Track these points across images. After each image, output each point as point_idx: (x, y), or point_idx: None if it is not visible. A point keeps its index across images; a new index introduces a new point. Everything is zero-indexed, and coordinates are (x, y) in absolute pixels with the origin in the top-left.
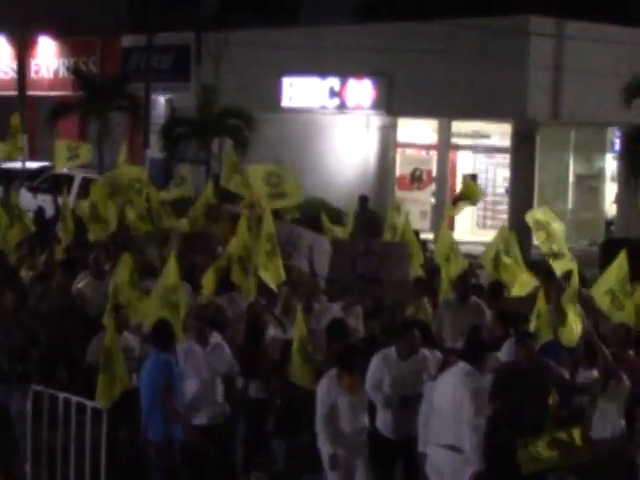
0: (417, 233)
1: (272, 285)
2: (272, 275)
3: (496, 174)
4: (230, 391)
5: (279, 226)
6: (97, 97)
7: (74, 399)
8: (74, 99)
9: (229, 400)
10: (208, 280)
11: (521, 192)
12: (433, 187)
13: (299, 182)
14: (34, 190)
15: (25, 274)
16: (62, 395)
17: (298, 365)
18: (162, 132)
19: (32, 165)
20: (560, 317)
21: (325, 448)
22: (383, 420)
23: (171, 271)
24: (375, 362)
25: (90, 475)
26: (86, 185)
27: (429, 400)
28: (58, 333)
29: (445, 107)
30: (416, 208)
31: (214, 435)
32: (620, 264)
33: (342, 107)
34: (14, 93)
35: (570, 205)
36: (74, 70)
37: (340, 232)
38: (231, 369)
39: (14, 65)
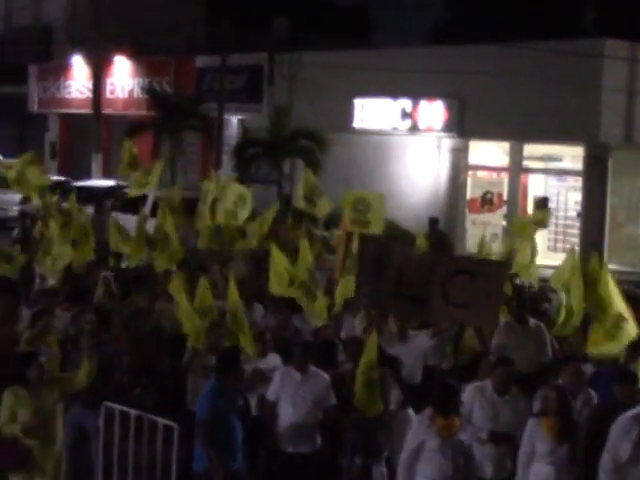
0: None
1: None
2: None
3: (567, 197)
4: (326, 420)
5: (368, 244)
6: (171, 117)
7: (146, 416)
8: (148, 118)
9: (325, 429)
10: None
11: (593, 215)
12: (504, 210)
13: (384, 211)
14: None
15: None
16: (134, 412)
17: (360, 389)
18: (234, 152)
19: (106, 183)
20: None
21: None
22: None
23: (230, 294)
24: (468, 393)
25: None
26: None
27: (532, 440)
28: (144, 354)
29: (517, 130)
30: (487, 231)
31: (306, 464)
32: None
33: (414, 129)
34: (89, 112)
35: None
36: (148, 90)
37: None
38: (328, 398)
39: (90, 84)
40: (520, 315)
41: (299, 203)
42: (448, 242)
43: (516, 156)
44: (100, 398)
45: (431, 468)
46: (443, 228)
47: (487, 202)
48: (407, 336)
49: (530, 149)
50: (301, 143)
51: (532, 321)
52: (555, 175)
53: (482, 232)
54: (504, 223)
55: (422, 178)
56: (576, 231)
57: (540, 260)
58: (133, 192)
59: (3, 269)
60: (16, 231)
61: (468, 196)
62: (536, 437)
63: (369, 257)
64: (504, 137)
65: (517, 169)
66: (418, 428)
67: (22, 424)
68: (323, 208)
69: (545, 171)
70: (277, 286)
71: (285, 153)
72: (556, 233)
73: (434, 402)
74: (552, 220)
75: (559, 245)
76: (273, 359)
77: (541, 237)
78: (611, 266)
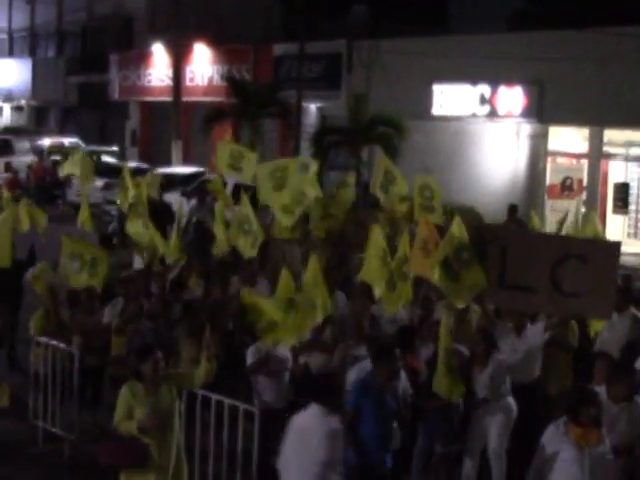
0: None
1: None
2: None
3: None
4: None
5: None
6: (249, 104)
7: (227, 401)
8: (227, 106)
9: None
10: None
11: None
12: (584, 196)
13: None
14: (188, 195)
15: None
16: (215, 397)
17: (441, 376)
18: (313, 139)
19: (187, 170)
20: None
21: None
22: None
23: (311, 272)
24: None
25: (241, 477)
26: (238, 192)
27: None
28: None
29: (597, 115)
30: (568, 216)
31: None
32: None
33: (493, 115)
34: (169, 99)
35: None
36: (227, 77)
37: None
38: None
39: (170, 72)
40: (619, 303)
41: (374, 189)
42: (526, 228)
43: (596, 142)
44: None
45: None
46: (522, 215)
47: (567, 188)
48: (524, 329)
49: (610, 135)
50: (379, 130)
51: (631, 310)
52: (636, 161)
53: (562, 216)
54: (584, 209)
55: (501, 164)
56: None
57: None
58: (221, 169)
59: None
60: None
61: (547, 182)
62: None
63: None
64: (584, 123)
65: (597, 155)
66: (553, 436)
67: (139, 422)
68: (394, 196)
69: (625, 157)
70: (369, 273)
71: (363, 140)
72: (637, 220)
73: (568, 409)
74: (633, 206)
75: (639, 232)
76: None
77: (621, 223)
78: None
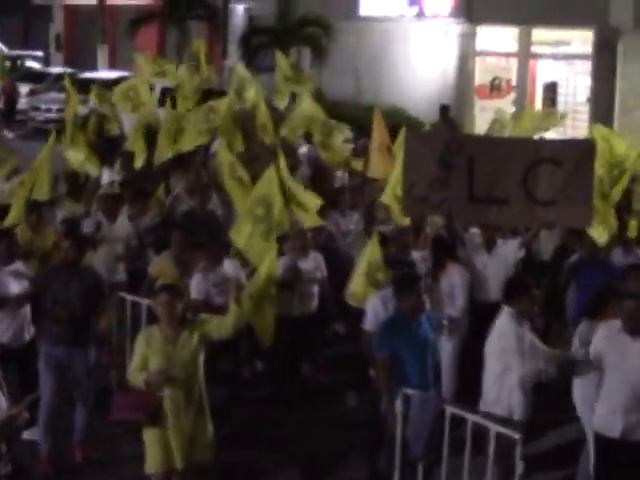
0: None
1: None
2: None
3: (577, 82)
4: None
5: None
6: (176, 6)
7: None
8: (154, 8)
9: None
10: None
11: (602, 100)
12: (513, 96)
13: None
14: None
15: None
16: None
17: (358, 287)
18: (241, 42)
19: (111, 75)
20: None
21: None
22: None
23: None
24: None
25: None
26: (165, 96)
27: None
28: None
29: (526, 14)
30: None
31: None
32: None
33: (421, 15)
34: (94, 2)
35: None
36: None
37: None
38: None
39: None
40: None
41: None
42: (457, 128)
43: (525, 41)
44: None
45: None
46: (452, 115)
47: (496, 88)
48: (494, 245)
49: (539, 34)
50: (308, 31)
51: None
52: (564, 60)
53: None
54: (513, 109)
55: (430, 65)
56: (585, 116)
57: None
58: (145, 75)
59: None
60: None
61: (476, 82)
62: None
63: (424, 154)
64: (512, 22)
65: (525, 54)
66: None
67: (148, 374)
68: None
69: (554, 56)
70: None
71: (292, 41)
72: (566, 118)
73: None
74: (562, 105)
75: (569, 131)
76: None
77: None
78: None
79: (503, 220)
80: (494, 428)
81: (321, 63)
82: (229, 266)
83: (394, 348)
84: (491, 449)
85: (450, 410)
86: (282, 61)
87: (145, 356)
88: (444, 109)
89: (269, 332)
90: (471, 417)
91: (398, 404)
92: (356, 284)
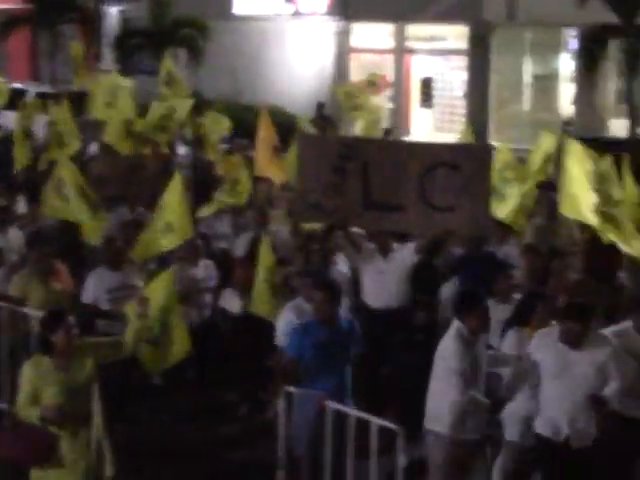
0: None
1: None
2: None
3: (452, 77)
4: None
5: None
6: (47, 10)
7: None
8: (24, 12)
9: None
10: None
11: (477, 94)
12: (389, 92)
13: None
14: None
15: None
16: None
17: (261, 295)
18: (115, 44)
19: None
20: None
21: None
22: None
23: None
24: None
25: None
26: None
27: None
28: None
29: (400, 10)
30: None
31: None
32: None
33: (297, 13)
34: None
35: (526, 106)
36: None
37: None
38: None
39: None
40: None
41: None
42: (335, 126)
43: (399, 37)
44: None
45: None
46: (329, 112)
47: (372, 85)
48: (390, 250)
49: (414, 30)
50: (183, 32)
51: None
52: (439, 55)
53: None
54: (390, 105)
55: (307, 63)
56: (462, 110)
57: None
58: None
59: None
60: None
61: (353, 79)
62: None
63: (317, 160)
64: (387, 18)
65: (401, 50)
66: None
67: (43, 407)
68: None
69: (429, 52)
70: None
71: (167, 43)
72: (442, 113)
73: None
74: (438, 100)
75: (446, 125)
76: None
77: (428, 117)
78: (495, 144)
79: (400, 227)
80: (375, 422)
81: (197, 64)
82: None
83: (301, 351)
84: (373, 443)
85: (332, 407)
86: (165, 65)
87: (36, 387)
88: (320, 106)
89: (183, 345)
90: (353, 413)
91: (281, 402)
92: (258, 293)
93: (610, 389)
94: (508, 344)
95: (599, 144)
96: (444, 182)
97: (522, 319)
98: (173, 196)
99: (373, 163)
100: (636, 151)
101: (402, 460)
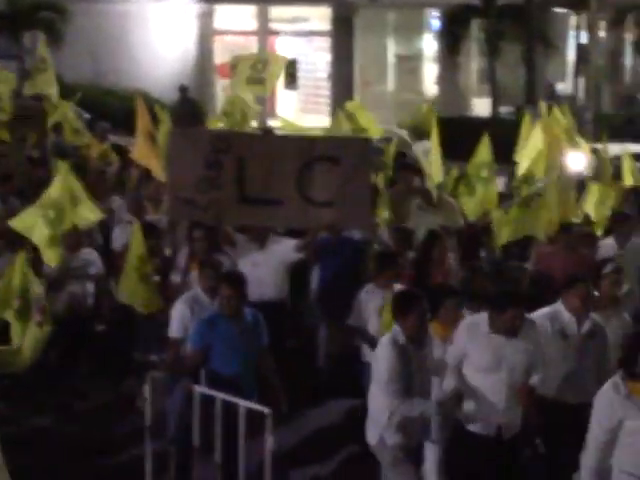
0: None
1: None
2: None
3: (316, 58)
4: None
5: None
6: None
7: None
8: None
9: None
10: None
11: (342, 75)
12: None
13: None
14: None
15: None
16: None
17: (130, 285)
18: None
19: None
20: None
21: None
22: None
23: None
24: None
25: None
26: None
27: None
28: None
29: None
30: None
31: None
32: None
33: None
34: None
35: (391, 86)
36: None
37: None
38: None
39: None
40: None
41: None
42: (199, 109)
43: (263, 19)
44: None
45: (633, 458)
46: (194, 95)
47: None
48: (266, 242)
49: (277, 11)
50: (42, 14)
51: None
52: (303, 37)
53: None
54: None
55: (170, 46)
56: (326, 92)
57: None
58: None
59: None
60: None
61: (217, 62)
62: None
63: (189, 153)
64: (250, 0)
65: (264, 32)
66: (612, 399)
67: None
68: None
69: (293, 33)
70: None
71: (25, 26)
72: (307, 95)
73: (622, 361)
74: (303, 82)
75: (311, 106)
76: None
77: (293, 99)
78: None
79: (277, 222)
80: (243, 404)
81: (57, 47)
82: None
83: (207, 345)
84: (241, 425)
85: (199, 391)
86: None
87: None
88: (183, 90)
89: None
90: (219, 395)
91: (146, 389)
92: (127, 280)
93: (537, 376)
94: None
95: (463, 123)
96: (323, 176)
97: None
98: (61, 184)
99: (249, 157)
100: (499, 129)
101: (270, 442)
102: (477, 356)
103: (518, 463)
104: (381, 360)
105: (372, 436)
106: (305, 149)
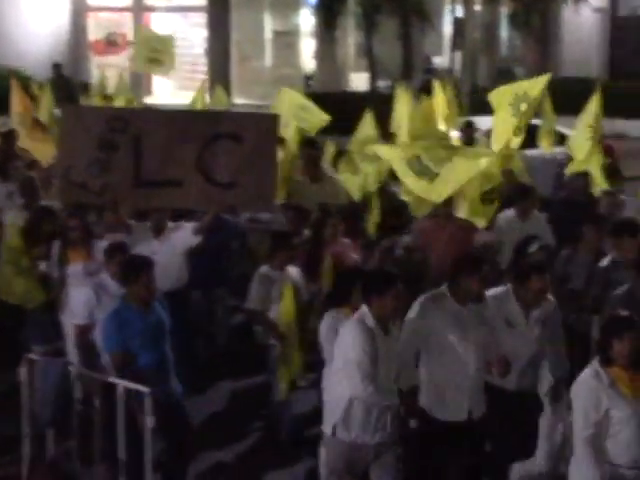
0: None
1: None
2: None
3: (193, 34)
4: None
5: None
6: None
7: None
8: None
9: None
10: None
11: (218, 51)
12: (129, 51)
13: None
14: None
15: None
16: None
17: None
18: None
19: None
20: None
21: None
22: None
23: None
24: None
25: None
26: None
27: None
28: None
29: None
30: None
31: None
32: None
33: None
34: None
35: (268, 62)
36: None
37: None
38: None
39: None
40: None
41: None
42: (73, 86)
43: None
44: None
45: (616, 448)
46: (68, 73)
47: (112, 44)
48: (163, 230)
49: None
50: None
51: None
52: (179, 12)
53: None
54: (129, 64)
55: (42, 22)
56: (203, 68)
57: (171, 100)
58: None
59: None
60: None
61: (91, 38)
62: None
63: (82, 134)
64: None
65: (140, 8)
66: (596, 389)
67: None
68: None
69: (168, 9)
70: None
71: None
72: (184, 71)
73: (600, 346)
74: (179, 58)
75: (187, 83)
76: None
77: (172, 77)
78: (239, 100)
79: (177, 204)
80: (122, 384)
81: None
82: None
83: (126, 343)
84: (119, 405)
85: (74, 371)
86: None
87: None
88: (57, 67)
89: None
90: (98, 376)
91: (23, 371)
92: (2, 275)
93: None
94: (325, 329)
95: (341, 97)
96: (225, 156)
97: (341, 298)
98: None
99: (146, 135)
100: (377, 104)
101: (150, 421)
102: (442, 334)
103: (484, 447)
104: (348, 343)
105: (326, 426)
106: (207, 125)
